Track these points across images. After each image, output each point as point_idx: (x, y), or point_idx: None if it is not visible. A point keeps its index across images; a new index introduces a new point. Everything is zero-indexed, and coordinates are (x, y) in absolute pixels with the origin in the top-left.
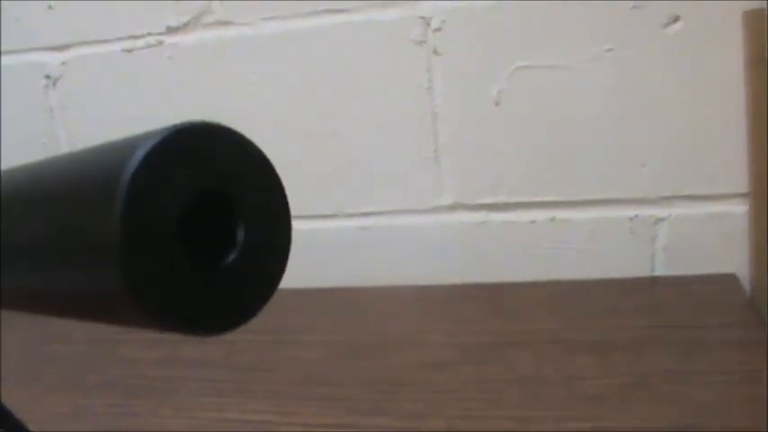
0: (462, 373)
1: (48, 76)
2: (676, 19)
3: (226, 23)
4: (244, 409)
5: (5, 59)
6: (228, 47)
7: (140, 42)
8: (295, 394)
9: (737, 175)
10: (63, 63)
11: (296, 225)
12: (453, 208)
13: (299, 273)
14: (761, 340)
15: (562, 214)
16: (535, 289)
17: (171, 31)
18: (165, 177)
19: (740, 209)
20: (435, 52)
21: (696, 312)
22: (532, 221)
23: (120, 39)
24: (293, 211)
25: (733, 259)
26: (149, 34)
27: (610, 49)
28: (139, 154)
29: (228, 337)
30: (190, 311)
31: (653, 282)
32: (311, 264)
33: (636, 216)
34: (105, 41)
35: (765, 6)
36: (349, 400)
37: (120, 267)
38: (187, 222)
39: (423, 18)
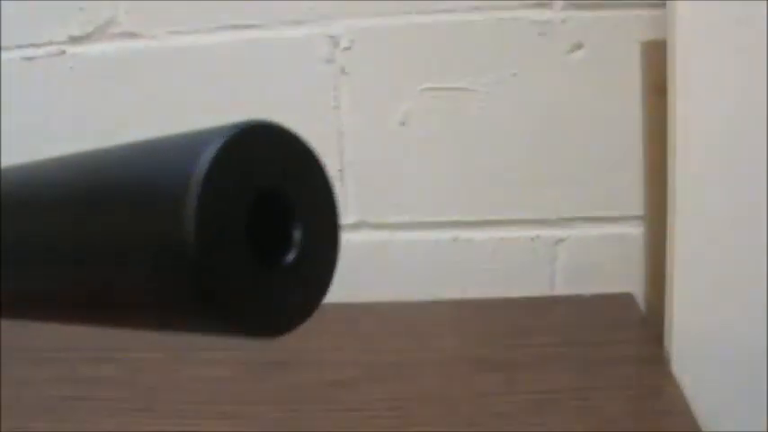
0: (369, 392)
1: None
2: (580, 46)
3: (132, 35)
4: (147, 429)
5: None
6: (133, 59)
7: (41, 51)
8: (199, 413)
9: (634, 199)
10: None
11: None
12: (357, 226)
13: None
14: (658, 356)
15: (465, 234)
16: (438, 308)
17: (74, 40)
18: (233, 177)
19: (636, 231)
20: (343, 71)
21: (596, 330)
22: (436, 241)
23: (20, 46)
24: None
25: (629, 279)
26: (51, 43)
27: (515, 74)
28: (209, 153)
29: (129, 354)
30: (258, 312)
31: (553, 301)
32: None
33: (537, 236)
34: (5, 48)
35: (663, 37)
36: (255, 419)
37: (193, 270)
38: (249, 223)
39: (331, 37)
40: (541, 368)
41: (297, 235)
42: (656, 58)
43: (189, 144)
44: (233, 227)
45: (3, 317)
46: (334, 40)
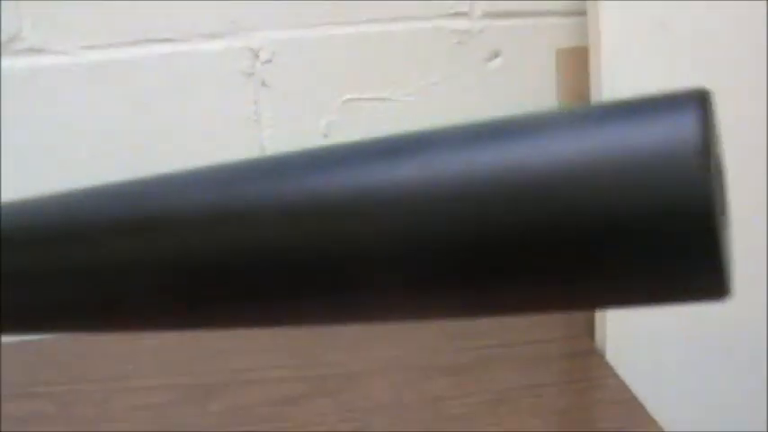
0: (318, 406)
1: None
2: (497, 54)
3: (39, 51)
4: None
5: None
6: (41, 76)
7: None
8: None
9: None
10: None
11: None
12: None
13: None
14: (592, 349)
15: None
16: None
17: None
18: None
19: None
20: (264, 84)
21: (527, 330)
22: None
23: None
24: None
25: None
26: None
27: (435, 83)
28: (695, 117)
29: (55, 388)
30: (728, 276)
31: None
32: None
33: None
34: None
35: (578, 44)
36: None
37: (711, 245)
38: None
39: (251, 50)
40: (487, 369)
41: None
42: (571, 66)
43: (652, 112)
44: (720, 197)
45: None
46: (254, 53)
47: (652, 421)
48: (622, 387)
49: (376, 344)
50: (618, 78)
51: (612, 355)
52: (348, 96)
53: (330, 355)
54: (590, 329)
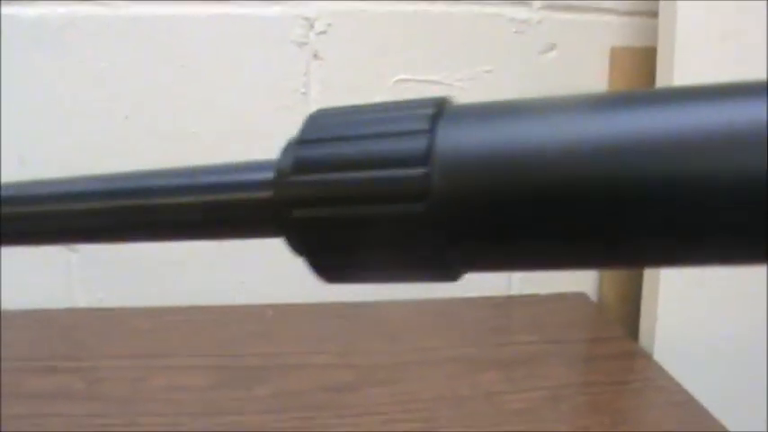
0: (374, 395)
1: None
2: (552, 47)
3: None
4: None
5: None
6: (79, 27)
7: None
8: (182, 426)
9: None
10: None
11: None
12: None
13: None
14: (639, 350)
15: None
16: (401, 308)
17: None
18: None
19: None
20: (316, 56)
21: (570, 328)
22: None
23: None
24: None
25: (578, 278)
26: None
27: (489, 71)
28: None
29: (82, 364)
30: None
31: (514, 300)
32: (160, 280)
33: None
34: None
35: (631, 44)
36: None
37: None
38: None
39: (306, 19)
40: (535, 365)
41: None
42: (622, 64)
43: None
44: None
45: None
46: (309, 23)
47: (716, 423)
48: (678, 388)
49: (415, 334)
50: (687, 81)
51: (660, 357)
52: (400, 76)
53: (371, 344)
54: (633, 331)
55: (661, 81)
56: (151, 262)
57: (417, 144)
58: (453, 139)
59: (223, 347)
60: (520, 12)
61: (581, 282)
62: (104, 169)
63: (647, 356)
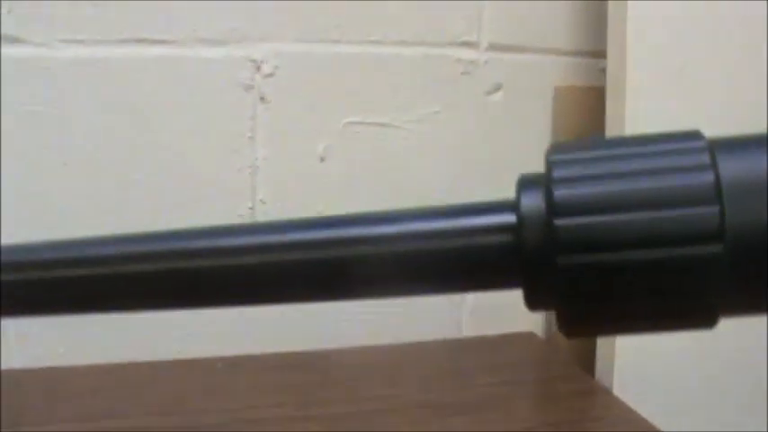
0: None
1: None
2: (499, 87)
3: (15, 40)
4: None
5: None
6: (13, 66)
7: None
8: None
9: None
10: None
11: None
12: None
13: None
14: (598, 387)
15: None
16: (351, 355)
17: None
18: None
19: None
20: (263, 99)
21: (526, 368)
22: None
23: None
24: None
25: (529, 317)
26: None
27: (437, 112)
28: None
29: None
30: None
31: (463, 343)
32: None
33: None
34: None
35: (575, 84)
36: None
37: None
38: None
39: (253, 61)
40: (502, 408)
41: None
42: (566, 104)
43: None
44: None
45: None
46: (256, 65)
47: None
48: (647, 424)
49: (373, 381)
50: (639, 119)
51: (619, 393)
52: (349, 119)
53: (330, 394)
54: (588, 368)
55: (611, 120)
56: (90, 317)
57: (705, 178)
58: (738, 172)
59: (176, 405)
60: (467, 53)
61: (529, 321)
62: (38, 218)
63: (608, 392)
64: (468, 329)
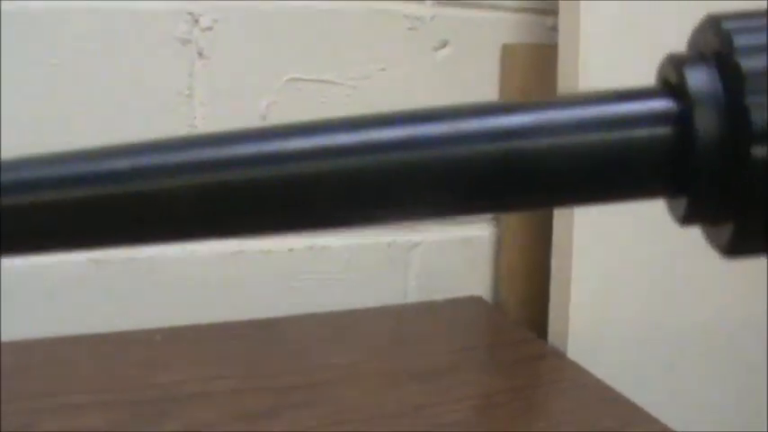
0: (302, 419)
1: None
2: (445, 44)
3: None
4: None
5: None
6: None
7: None
8: None
9: None
10: None
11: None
12: None
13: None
14: (553, 351)
15: (320, 241)
16: (296, 323)
17: None
18: None
19: (483, 233)
20: (201, 55)
21: (476, 334)
22: (290, 249)
23: None
24: None
25: (475, 281)
26: None
27: (383, 69)
28: None
29: None
30: None
31: (408, 308)
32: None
33: (393, 242)
34: None
35: (523, 41)
36: None
37: None
38: None
39: (191, 14)
40: (456, 374)
41: None
42: (514, 61)
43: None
44: None
45: None
46: (194, 18)
47: (652, 419)
48: (604, 386)
49: (321, 350)
50: (591, 77)
51: (574, 357)
52: (291, 75)
53: (277, 364)
54: (540, 332)
55: (563, 78)
56: (17, 289)
57: None
58: None
59: (115, 381)
60: (413, 8)
61: (475, 285)
62: None
63: (562, 356)
64: (413, 295)
